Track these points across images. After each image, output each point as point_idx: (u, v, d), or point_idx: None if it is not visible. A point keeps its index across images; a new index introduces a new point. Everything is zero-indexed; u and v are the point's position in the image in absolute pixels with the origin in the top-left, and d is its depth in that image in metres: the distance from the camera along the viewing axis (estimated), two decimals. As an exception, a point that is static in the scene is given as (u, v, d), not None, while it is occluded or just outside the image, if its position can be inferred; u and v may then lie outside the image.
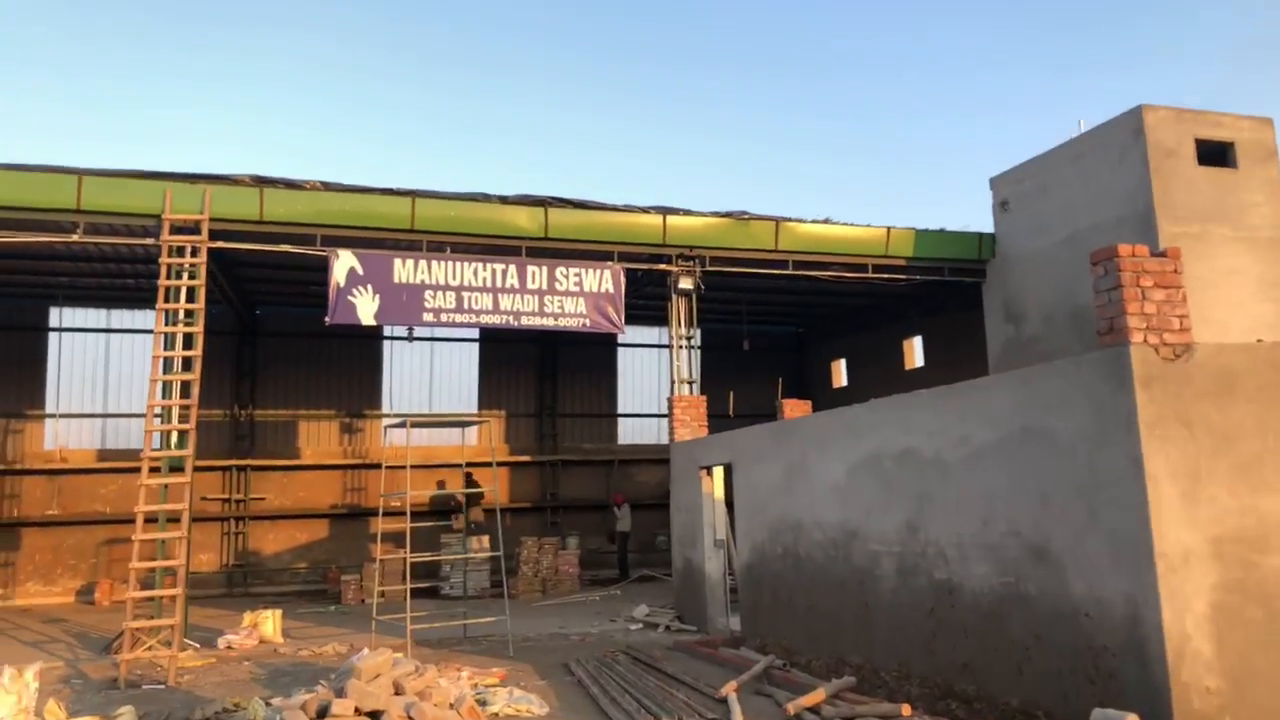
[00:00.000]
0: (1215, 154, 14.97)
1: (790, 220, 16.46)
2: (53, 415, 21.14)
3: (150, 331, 20.76)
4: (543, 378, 24.27)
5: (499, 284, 14.44)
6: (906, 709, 7.41)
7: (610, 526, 22.44)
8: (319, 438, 23.06)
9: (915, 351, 23.26)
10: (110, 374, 21.53)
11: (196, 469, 21.40)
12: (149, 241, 12.90)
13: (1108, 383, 6.75)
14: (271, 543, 22.30)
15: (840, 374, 25.85)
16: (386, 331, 22.83)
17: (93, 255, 16.60)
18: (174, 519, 12.95)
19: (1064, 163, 16.08)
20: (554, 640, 13.32)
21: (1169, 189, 14.45)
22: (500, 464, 23.54)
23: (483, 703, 8.67)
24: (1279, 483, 6.62)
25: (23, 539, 20.55)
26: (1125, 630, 6.61)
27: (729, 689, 8.81)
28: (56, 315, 21.33)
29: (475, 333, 23.62)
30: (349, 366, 22.95)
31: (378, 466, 23.32)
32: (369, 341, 22.95)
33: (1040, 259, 16.66)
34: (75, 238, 12.92)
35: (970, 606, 8.16)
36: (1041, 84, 60.91)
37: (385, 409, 22.96)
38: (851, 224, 16.97)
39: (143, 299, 19.97)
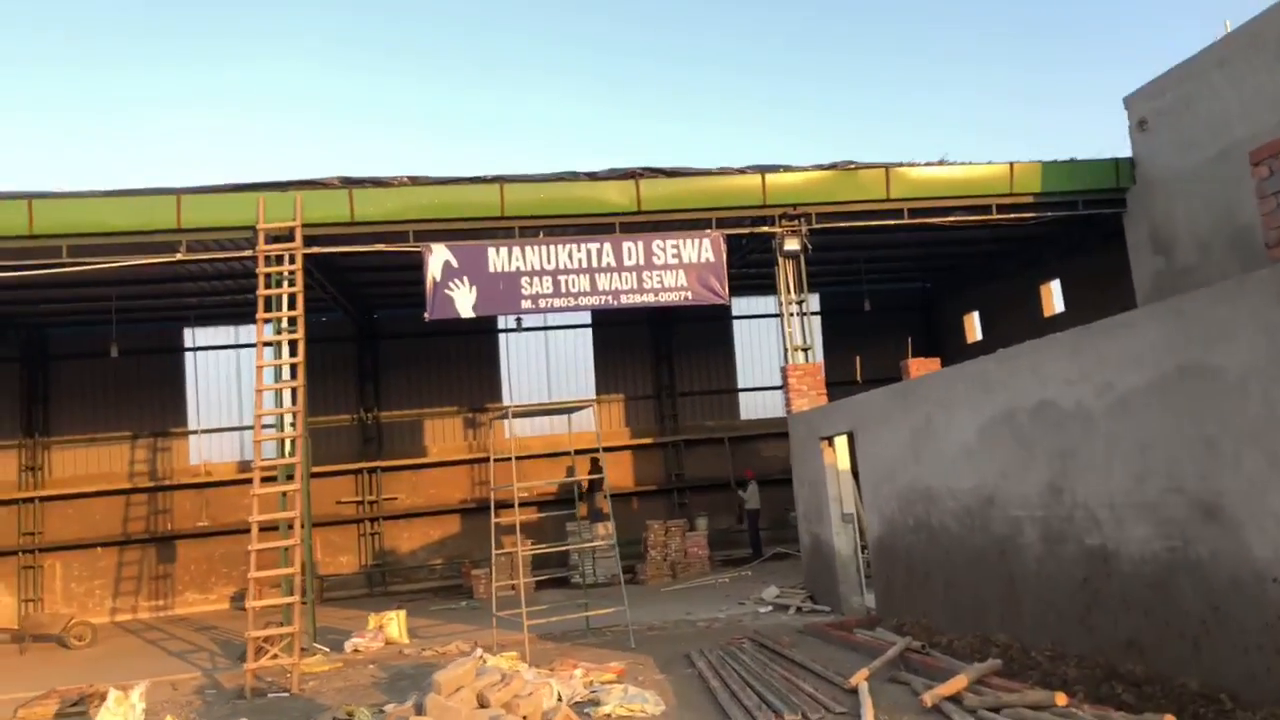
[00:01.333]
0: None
1: (901, 165, 15.28)
2: (195, 431, 22.02)
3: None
4: (659, 358, 23.76)
5: (595, 264, 13.94)
6: (1061, 698, 6.48)
7: (739, 505, 21.75)
8: (444, 434, 23.27)
9: (1054, 296, 21.55)
10: (243, 388, 22.24)
11: (329, 474, 22.55)
12: (248, 254, 12.99)
13: (1281, 304, 5.64)
14: (406, 541, 22.65)
15: (974, 328, 24.28)
16: (500, 324, 22.81)
17: (211, 274, 17.03)
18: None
19: (1209, 69, 14.32)
20: (679, 628, 12.79)
21: (1339, 83, 12.60)
22: (621, 448, 23.30)
23: (596, 702, 8.20)
24: None
25: (178, 551, 21.53)
26: (1325, 598, 5.52)
27: (859, 678, 8.04)
28: (190, 335, 22.19)
29: (588, 318, 23.35)
30: (468, 362, 23.05)
31: (503, 459, 23.47)
32: (485, 336, 22.97)
33: (1189, 179, 14.94)
34: (179, 256, 13.14)
35: (1131, 575, 7.12)
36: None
37: (505, 401, 22.91)
38: (970, 163, 15.63)
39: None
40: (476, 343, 22.97)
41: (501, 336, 23.14)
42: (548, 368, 23.44)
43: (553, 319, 23.13)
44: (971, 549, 9.40)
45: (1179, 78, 14.96)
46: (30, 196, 12.74)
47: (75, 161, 55.42)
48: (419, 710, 5.86)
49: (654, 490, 23.23)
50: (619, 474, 23.22)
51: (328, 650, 12.97)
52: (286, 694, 10.44)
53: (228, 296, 19.36)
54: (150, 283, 17.14)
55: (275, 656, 10.85)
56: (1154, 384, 6.78)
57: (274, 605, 11.76)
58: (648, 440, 23.41)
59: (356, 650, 12.77)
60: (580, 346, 23.65)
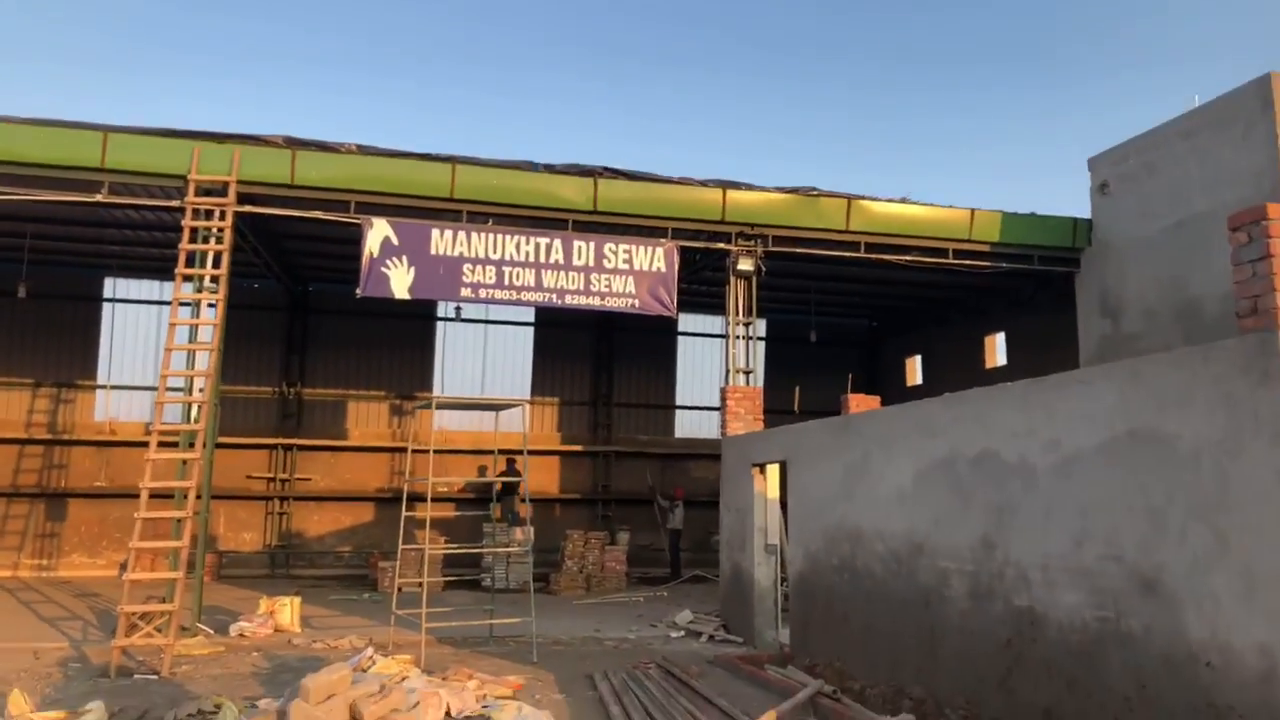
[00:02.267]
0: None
1: (864, 198, 15.06)
2: (104, 386, 20.91)
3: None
4: (599, 365, 23.29)
5: (543, 259, 13.44)
6: (975, 764, 6.14)
7: (663, 521, 21.35)
8: (368, 419, 22.47)
9: (997, 349, 21.62)
10: (160, 346, 21.18)
11: (241, 446, 21.58)
12: (176, 204, 12.20)
13: (1246, 376, 5.39)
14: (316, 524, 21.77)
15: (915, 372, 24.29)
16: (440, 312, 22.13)
17: (139, 224, 16.13)
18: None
19: (1175, 140, 14.38)
20: (586, 645, 12.29)
21: (1300, 169, 12.69)
22: (550, 452, 22.74)
23: (487, 719, 7.66)
24: None
25: (69, 510, 20.37)
26: (1259, 688, 5.25)
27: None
28: (110, 286, 21.10)
29: (530, 316, 22.80)
30: (401, 348, 22.31)
31: (426, 451, 22.74)
32: (422, 322, 22.26)
33: (1144, 247, 14.98)
34: (99, 198, 12.29)
35: (1057, 641, 6.83)
36: (1141, 67, 57.09)
37: (437, 392, 22.20)
38: (931, 204, 15.50)
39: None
40: (413, 328, 22.26)
41: (439, 325, 22.45)
42: (484, 362, 22.82)
43: (495, 314, 22.56)
44: (895, 595, 9.08)
45: (1145, 144, 15.02)
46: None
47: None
48: (281, 717, 5.28)
49: (578, 499, 22.72)
50: (545, 479, 22.66)
51: (211, 632, 12.19)
52: (155, 676, 9.69)
53: (155, 250, 18.38)
54: (70, 223, 16.17)
55: (150, 635, 10.07)
56: (1103, 446, 6.51)
57: (158, 579, 10.95)
58: (578, 447, 22.90)
59: (243, 635, 12.02)
60: (520, 344, 23.07)
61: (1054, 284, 18.43)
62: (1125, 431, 6.34)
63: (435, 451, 22.06)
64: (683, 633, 13.20)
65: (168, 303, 20.82)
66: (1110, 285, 15.74)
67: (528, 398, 22.72)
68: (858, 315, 24.61)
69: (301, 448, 21.66)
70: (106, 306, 21.07)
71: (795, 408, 17.70)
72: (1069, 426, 6.86)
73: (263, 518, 21.42)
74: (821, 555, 10.68)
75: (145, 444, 19.89)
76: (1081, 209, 16.29)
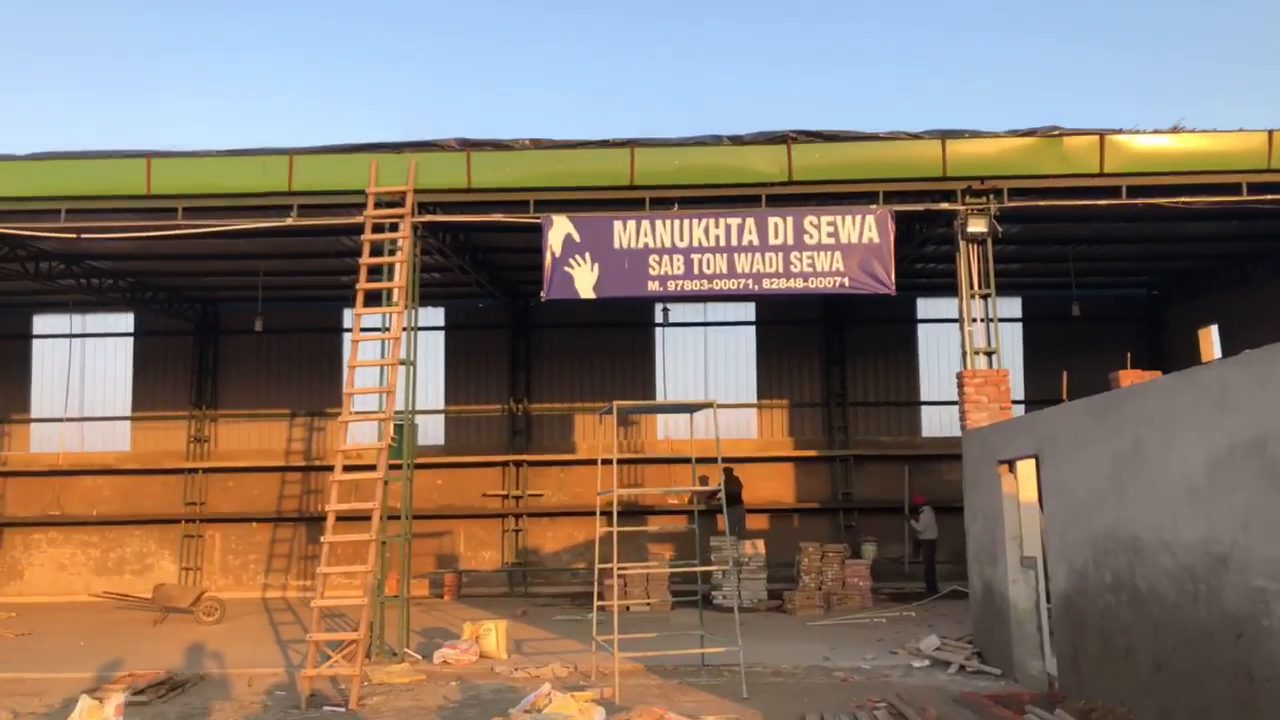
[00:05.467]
0: None
1: (1120, 133, 12.40)
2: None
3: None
4: (829, 362, 21.44)
5: (735, 241, 12.05)
6: None
7: (912, 535, 19.17)
8: (595, 431, 22.02)
9: (1318, 309, 17.62)
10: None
11: (476, 464, 21.79)
12: (358, 219, 12.04)
13: None
14: (550, 541, 21.54)
15: (1212, 345, 20.39)
16: (658, 317, 21.28)
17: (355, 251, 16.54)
18: (395, 517, 12.06)
19: None
20: (810, 676, 10.72)
21: None
22: (783, 459, 21.26)
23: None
24: None
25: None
26: None
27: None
28: (347, 316, 22.05)
29: (751, 314, 21.47)
30: (623, 356, 21.69)
31: (654, 461, 21.97)
32: (641, 330, 21.54)
33: None
34: (290, 221, 12.38)
35: None
36: None
37: (660, 399, 21.36)
38: (1213, 130, 12.52)
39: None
40: (632, 336, 21.57)
41: (657, 331, 21.61)
42: (705, 366, 21.69)
43: (713, 314, 21.44)
44: (1193, 624, 6.87)
45: None
46: (149, 155, 12.36)
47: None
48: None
49: (817, 509, 20.97)
50: (779, 487, 21.16)
51: (419, 658, 11.81)
52: (342, 709, 9.26)
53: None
54: (301, 256, 16.80)
55: (336, 665, 9.69)
56: None
57: (346, 604, 10.63)
58: (812, 453, 21.16)
59: (446, 662, 11.51)
60: (742, 345, 21.74)
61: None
62: None
63: (661, 462, 21.51)
64: (927, 662, 11.27)
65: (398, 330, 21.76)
66: None
67: (754, 401, 21.39)
68: (1131, 284, 21.11)
69: (532, 463, 21.55)
70: (345, 336, 22.02)
71: (1063, 396, 15.11)
72: None
73: (499, 535, 21.47)
74: (1090, 571, 8.51)
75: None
76: None
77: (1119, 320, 21.07)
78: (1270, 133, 12.36)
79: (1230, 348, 19.61)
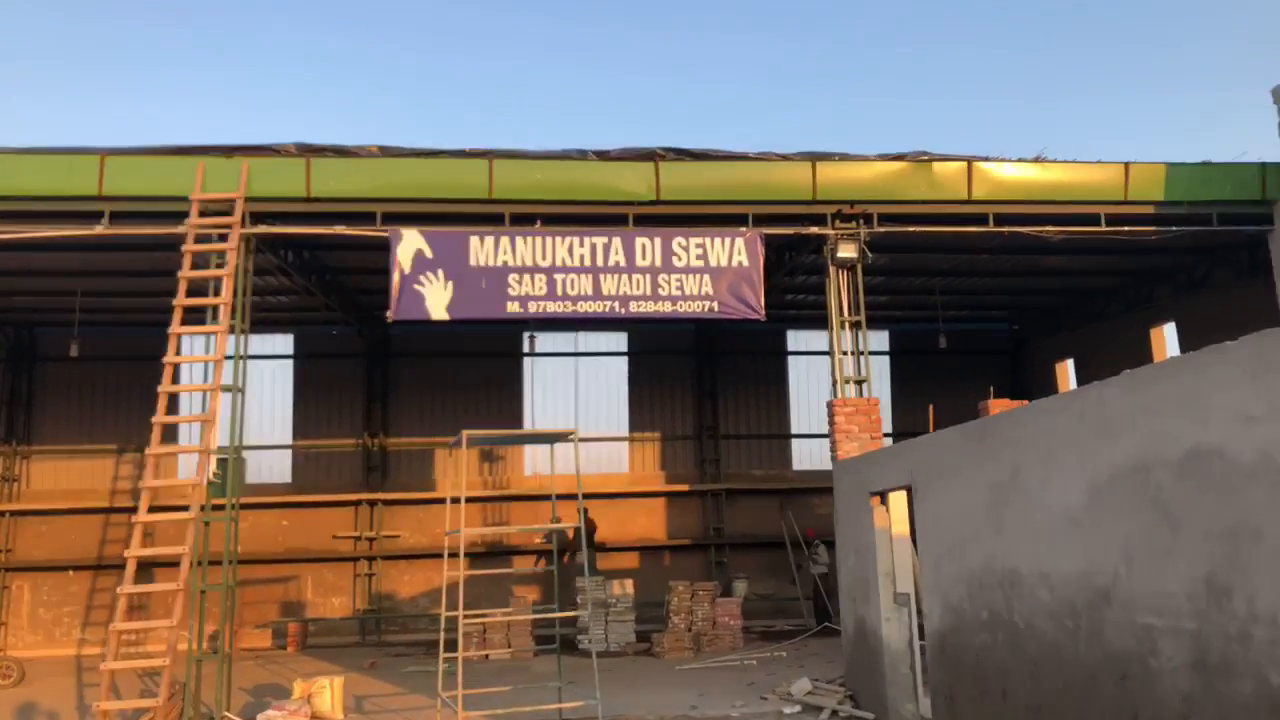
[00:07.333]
0: None
1: (987, 160, 12.40)
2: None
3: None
4: (701, 395, 21.03)
5: (600, 262, 11.37)
6: None
7: (806, 569, 18.78)
8: (458, 467, 20.84)
9: (1167, 343, 18.26)
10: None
11: (326, 504, 20.26)
12: (179, 229, 10.75)
13: None
14: (407, 585, 20.19)
15: (1068, 378, 20.99)
16: (526, 347, 20.38)
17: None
18: (215, 561, 10.73)
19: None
20: (675, 728, 9.94)
21: None
22: (655, 494, 20.63)
23: None
24: None
25: (156, 578, 19.43)
26: None
27: None
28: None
29: (623, 345, 20.87)
30: (488, 388, 20.67)
31: (521, 498, 20.92)
32: (507, 360, 20.63)
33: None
34: (99, 229, 10.97)
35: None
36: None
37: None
38: (1074, 161, 12.65)
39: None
40: (499, 367, 20.65)
41: (526, 361, 20.72)
42: (576, 399, 20.91)
43: (584, 344, 20.72)
44: (1074, 664, 6.42)
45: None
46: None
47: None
48: None
49: (688, 545, 20.37)
50: (650, 523, 20.49)
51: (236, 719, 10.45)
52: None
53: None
54: (119, 275, 15.19)
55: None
56: None
57: (138, 667, 9.26)
58: (684, 487, 20.62)
59: (269, 726, 10.20)
60: (614, 377, 21.08)
61: (1235, 256, 15.21)
62: None
63: (528, 499, 20.46)
64: (799, 708, 10.67)
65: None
66: (1319, 244, 12.50)
67: (625, 434, 20.72)
68: (995, 318, 21.55)
69: (388, 502, 20.23)
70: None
71: (930, 428, 14.99)
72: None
73: (351, 580, 20.00)
74: (966, 607, 8.05)
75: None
76: (1269, 151, 13.11)
77: (983, 354, 21.42)
78: (1126, 165, 12.59)
79: (1086, 379, 20.12)
